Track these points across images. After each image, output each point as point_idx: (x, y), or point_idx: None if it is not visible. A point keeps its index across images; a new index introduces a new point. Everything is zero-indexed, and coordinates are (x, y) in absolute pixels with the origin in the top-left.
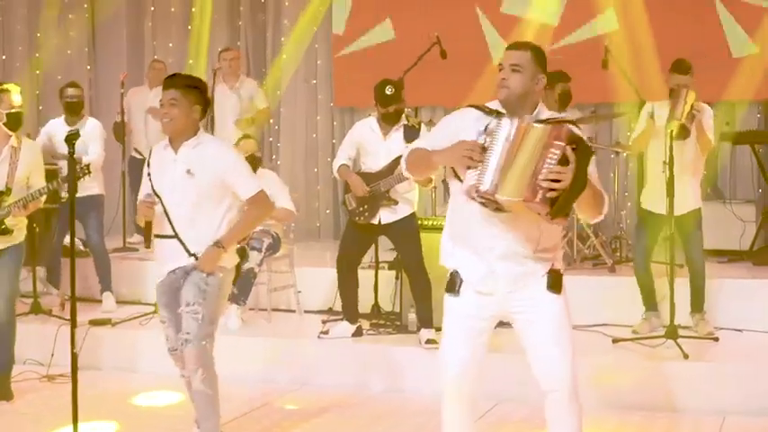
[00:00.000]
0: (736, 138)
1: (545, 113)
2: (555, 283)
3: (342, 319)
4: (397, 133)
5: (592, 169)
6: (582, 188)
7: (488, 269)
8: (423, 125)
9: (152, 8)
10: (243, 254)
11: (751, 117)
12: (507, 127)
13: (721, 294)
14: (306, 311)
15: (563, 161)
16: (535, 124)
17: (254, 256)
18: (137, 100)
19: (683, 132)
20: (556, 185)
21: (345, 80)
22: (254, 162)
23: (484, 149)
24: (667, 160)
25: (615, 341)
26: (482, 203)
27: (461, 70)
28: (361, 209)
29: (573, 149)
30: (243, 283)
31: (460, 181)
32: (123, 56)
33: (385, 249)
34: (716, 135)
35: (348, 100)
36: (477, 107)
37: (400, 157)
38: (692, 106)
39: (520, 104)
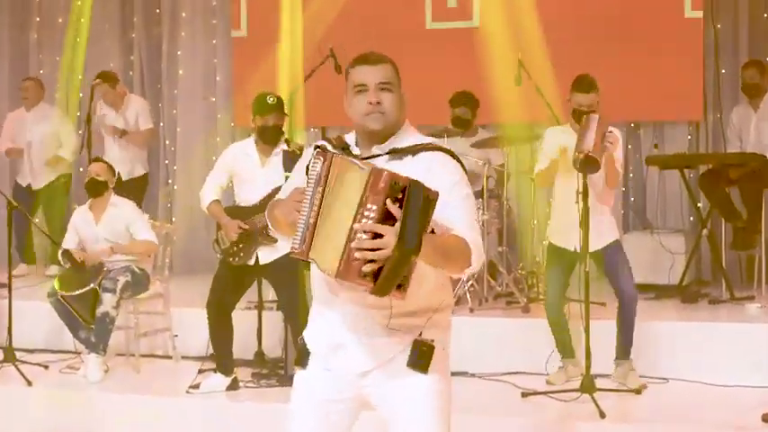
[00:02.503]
0: (664, 162)
1: (408, 139)
2: (420, 358)
3: (214, 371)
4: (276, 158)
5: (456, 212)
6: (413, 253)
7: (336, 341)
8: (305, 151)
9: (37, 18)
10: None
11: (681, 139)
12: (319, 166)
13: (646, 338)
14: (184, 357)
15: (384, 219)
16: (355, 162)
17: (108, 299)
18: (17, 125)
19: (594, 166)
20: (372, 255)
21: (247, 97)
22: (98, 187)
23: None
24: (581, 189)
25: (524, 395)
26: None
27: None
28: (235, 248)
29: (398, 200)
30: (99, 329)
31: None
32: (5, 71)
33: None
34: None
35: (250, 119)
36: (328, 140)
37: (280, 188)
38: (603, 136)
39: (388, 134)
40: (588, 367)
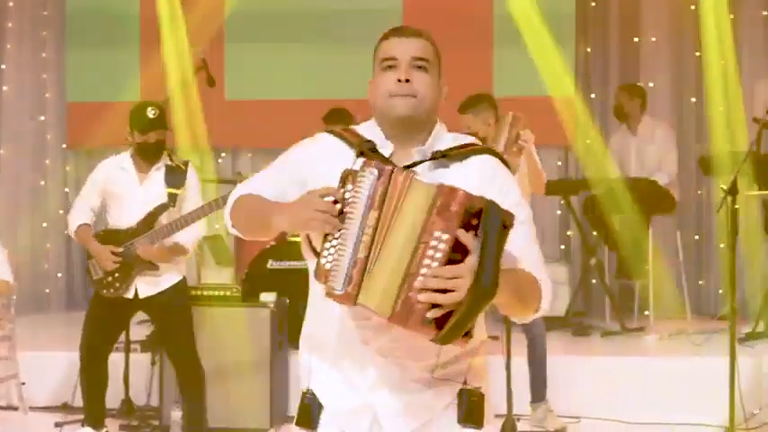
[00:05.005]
0: (550, 188)
1: (446, 139)
2: (473, 410)
3: (82, 424)
4: (158, 174)
5: (520, 240)
6: (490, 297)
7: (360, 401)
8: (190, 166)
9: None
10: None
11: (550, 164)
12: (371, 182)
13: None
14: (32, 408)
15: (456, 253)
16: (419, 178)
17: None
18: None
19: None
20: (440, 299)
21: (81, 116)
22: None
23: (341, 216)
24: None
25: None
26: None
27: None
28: (110, 278)
29: (473, 228)
30: None
31: (317, 255)
32: None
33: (136, 322)
34: None
35: (84, 140)
36: (335, 133)
37: (161, 207)
38: (518, 134)
39: (419, 128)
40: (510, 409)
